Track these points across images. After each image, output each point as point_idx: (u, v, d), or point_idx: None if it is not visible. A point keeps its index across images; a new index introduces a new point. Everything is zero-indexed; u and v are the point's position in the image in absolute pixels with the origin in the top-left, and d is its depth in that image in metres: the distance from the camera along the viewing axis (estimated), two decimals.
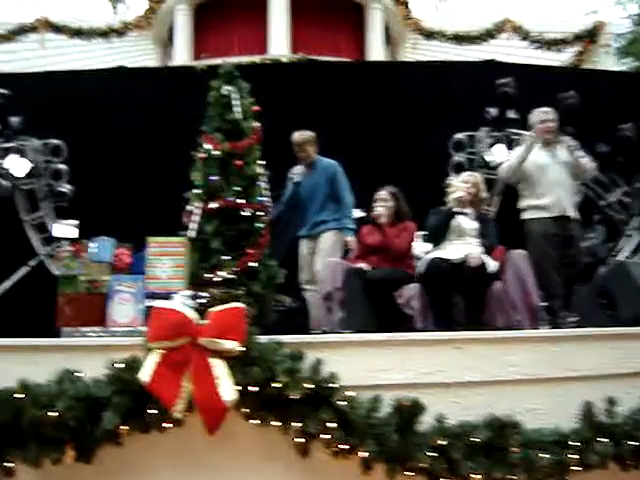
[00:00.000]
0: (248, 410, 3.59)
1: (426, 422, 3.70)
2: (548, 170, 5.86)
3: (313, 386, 3.56)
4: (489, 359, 3.97)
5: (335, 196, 6.42)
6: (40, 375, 3.66)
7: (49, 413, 3.51)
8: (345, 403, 3.58)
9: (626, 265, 4.85)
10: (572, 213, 5.85)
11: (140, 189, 7.49)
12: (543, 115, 6.07)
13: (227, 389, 3.47)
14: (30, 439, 3.58)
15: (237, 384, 3.52)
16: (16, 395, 3.57)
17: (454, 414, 3.75)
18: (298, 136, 6.51)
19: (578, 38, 16.85)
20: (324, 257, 6.06)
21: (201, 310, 4.08)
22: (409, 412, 3.65)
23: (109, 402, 3.56)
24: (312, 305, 6.08)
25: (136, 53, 17.25)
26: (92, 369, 3.65)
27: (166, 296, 4.98)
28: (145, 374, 3.50)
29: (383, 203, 5.73)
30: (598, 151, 7.40)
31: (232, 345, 3.60)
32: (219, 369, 3.53)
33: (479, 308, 5.12)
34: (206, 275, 5.36)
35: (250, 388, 3.53)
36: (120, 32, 17.42)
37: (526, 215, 5.96)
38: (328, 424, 3.55)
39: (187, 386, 3.52)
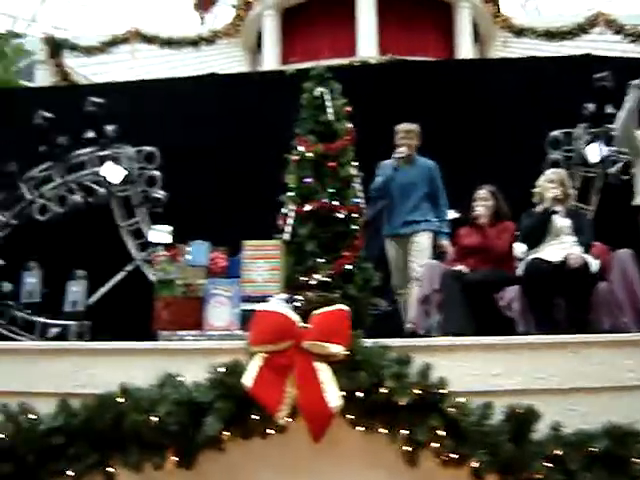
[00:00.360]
0: (353, 416, 3.51)
1: (541, 430, 3.53)
2: None
3: (422, 392, 3.44)
4: (605, 364, 3.77)
5: (431, 196, 6.28)
6: (140, 379, 3.66)
7: (150, 418, 3.50)
8: (455, 410, 3.46)
9: None
10: None
11: (234, 193, 7.52)
12: None
13: (333, 394, 3.38)
14: (131, 444, 3.59)
15: (342, 389, 3.44)
16: (117, 399, 3.58)
17: (570, 422, 3.58)
18: (406, 125, 6.37)
19: None
20: (419, 259, 5.94)
21: (297, 313, 4.02)
22: (523, 420, 3.49)
23: (211, 407, 3.54)
24: (404, 308, 6.00)
25: (225, 60, 17.53)
26: (193, 373, 3.64)
27: (262, 299, 4.96)
28: (248, 379, 3.46)
29: (483, 202, 5.58)
30: None
31: (337, 349, 3.53)
32: (324, 374, 3.45)
33: (583, 310, 4.93)
34: (301, 278, 5.34)
35: (356, 393, 3.44)
36: (209, 40, 17.74)
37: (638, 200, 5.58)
38: (437, 432, 3.43)
39: (291, 391, 3.47)
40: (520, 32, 17.71)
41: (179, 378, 3.67)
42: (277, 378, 3.45)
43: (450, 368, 3.60)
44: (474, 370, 3.69)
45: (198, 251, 5.43)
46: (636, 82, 5.40)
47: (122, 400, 3.58)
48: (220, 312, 5.09)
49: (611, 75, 7.45)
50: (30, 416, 3.67)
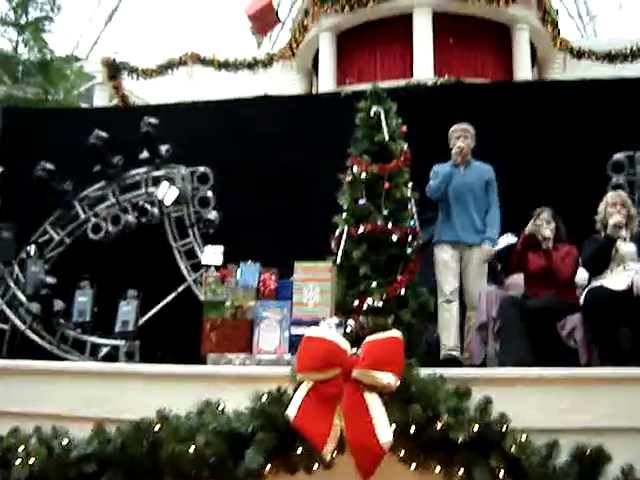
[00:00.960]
0: (406, 453, 3.30)
1: (612, 473, 3.29)
2: None
3: (481, 428, 3.22)
4: None
5: (486, 202, 6.05)
6: (181, 405, 3.52)
7: (188, 448, 3.35)
8: (517, 449, 3.23)
9: None
10: None
11: (286, 214, 7.45)
12: None
13: (384, 429, 3.17)
14: (167, 474, 3.44)
15: (394, 423, 3.22)
16: (154, 427, 3.44)
17: None
18: (462, 124, 6.21)
19: None
20: (478, 276, 5.82)
21: (348, 339, 3.86)
22: (592, 461, 3.26)
23: (253, 438, 3.36)
24: (449, 324, 5.67)
25: (281, 83, 17.61)
26: (235, 401, 3.47)
27: (312, 323, 4.84)
28: (293, 409, 3.27)
29: (547, 225, 5.37)
30: None
31: (390, 379, 3.30)
32: (375, 406, 3.24)
33: None
34: (353, 302, 5.21)
35: (409, 428, 3.23)
36: (265, 63, 17.91)
37: None
38: (498, 472, 3.20)
39: (339, 424, 3.26)
40: (579, 54, 17.47)
41: (220, 406, 3.50)
42: (324, 409, 3.25)
43: (512, 403, 3.38)
44: (538, 405, 3.45)
45: (248, 272, 5.36)
46: None
47: (159, 427, 3.42)
48: (269, 336, 4.99)
49: None
50: (63, 441, 3.56)
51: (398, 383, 3.31)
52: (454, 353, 5.43)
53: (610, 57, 17.03)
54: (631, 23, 23.74)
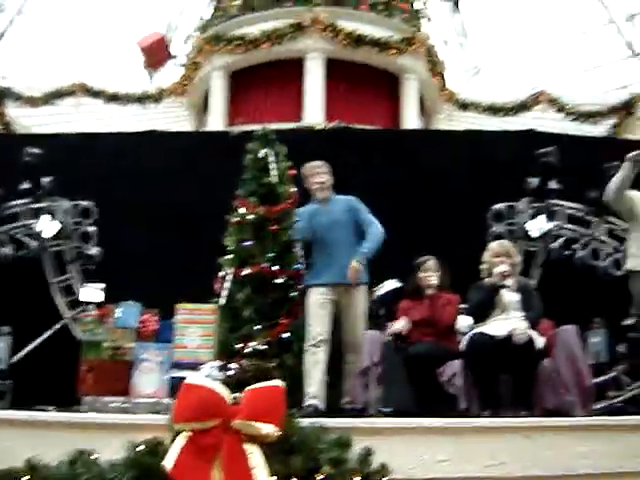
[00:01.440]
0: None
1: None
2: None
3: (362, 479, 3.18)
4: (560, 449, 3.59)
5: (359, 231, 5.72)
6: (53, 454, 3.32)
7: None
8: None
9: None
10: None
11: (170, 253, 7.30)
12: None
13: None
14: None
15: (275, 474, 3.12)
16: (22, 478, 3.22)
17: None
18: (317, 163, 5.95)
19: (614, 110, 16.74)
20: (357, 318, 5.56)
21: (230, 383, 3.77)
22: None
23: None
24: (313, 365, 5.29)
25: (171, 118, 17.47)
26: (111, 450, 3.29)
27: (194, 366, 4.74)
28: (170, 460, 3.11)
29: (432, 273, 5.46)
30: None
31: (270, 429, 3.21)
32: (255, 457, 3.14)
33: (527, 388, 4.81)
34: (236, 345, 5.14)
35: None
36: (155, 98, 17.72)
37: (630, 264, 5.62)
38: None
39: (217, 476, 3.13)
40: (464, 106, 18.13)
41: (93, 455, 3.32)
42: (202, 460, 3.11)
43: (393, 452, 3.37)
44: (419, 455, 3.46)
45: (128, 312, 5.25)
46: (631, 155, 5.49)
47: (27, 478, 3.21)
48: (148, 379, 4.86)
49: (555, 151, 7.50)
50: None
51: (279, 433, 3.23)
52: (313, 402, 5.09)
53: (493, 110, 17.77)
54: (514, 77, 24.86)
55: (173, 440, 3.18)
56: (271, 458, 3.16)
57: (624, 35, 23.41)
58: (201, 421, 3.21)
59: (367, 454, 3.28)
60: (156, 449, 3.19)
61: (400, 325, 5.22)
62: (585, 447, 3.61)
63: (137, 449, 3.20)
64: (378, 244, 5.64)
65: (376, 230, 5.68)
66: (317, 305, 5.46)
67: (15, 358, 6.80)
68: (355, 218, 5.73)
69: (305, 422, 3.37)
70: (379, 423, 3.67)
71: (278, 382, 3.53)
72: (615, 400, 6.90)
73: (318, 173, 5.83)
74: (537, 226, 7.55)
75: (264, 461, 3.14)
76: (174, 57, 19.21)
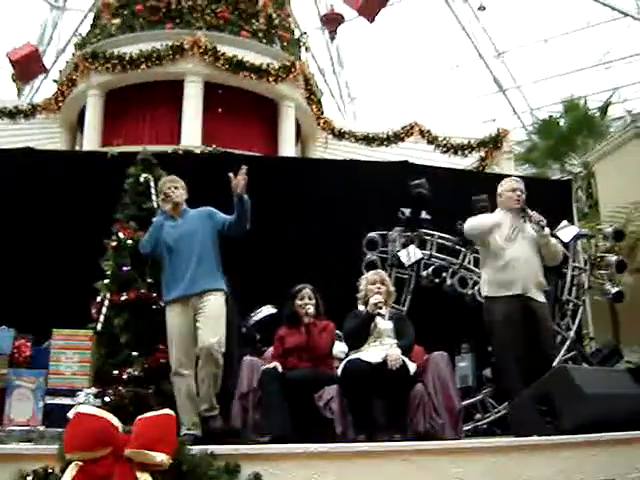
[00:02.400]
0: None
1: None
2: (513, 244, 5.66)
3: None
4: (436, 472, 3.74)
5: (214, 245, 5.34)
6: None
7: None
8: None
9: (569, 371, 4.75)
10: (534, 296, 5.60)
11: (45, 277, 7.10)
12: (514, 183, 5.88)
13: None
14: None
15: None
16: None
17: None
18: (170, 178, 5.53)
19: (482, 144, 17.53)
20: (214, 328, 4.96)
21: (108, 409, 3.73)
22: None
23: None
24: (182, 394, 4.91)
25: (43, 136, 16.97)
26: None
27: (69, 393, 4.66)
28: None
29: (309, 301, 5.56)
30: None
31: (162, 457, 3.18)
32: None
33: (400, 411, 4.98)
34: (113, 372, 5.07)
35: None
36: (27, 114, 17.17)
37: (485, 291, 5.84)
38: None
39: None
40: (340, 134, 18.53)
41: None
42: None
43: (279, 477, 3.43)
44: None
45: (1, 338, 5.08)
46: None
47: None
48: (22, 406, 4.72)
49: (426, 182, 7.78)
50: None
51: (170, 461, 3.23)
52: (190, 432, 4.78)
53: (368, 139, 18.25)
54: (388, 106, 25.66)
55: (63, 470, 3.12)
56: None
57: (492, 71, 24.66)
58: (92, 450, 3.16)
59: (255, 479, 3.34)
60: (46, 479, 3.12)
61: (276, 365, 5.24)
62: (460, 468, 3.78)
63: (26, 479, 3.11)
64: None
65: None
66: (174, 327, 5.01)
67: None
68: (214, 223, 5.35)
69: (195, 449, 3.38)
70: (265, 449, 3.70)
71: (169, 410, 3.52)
72: (481, 422, 7.23)
73: (170, 188, 5.40)
74: (408, 254, 7.79)
75: None
76: (47, 71, 18.71)
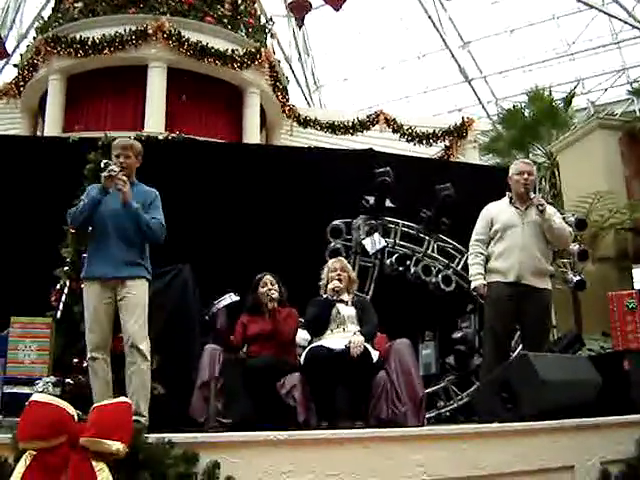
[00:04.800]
0: None
1: None
2: (514, 230, 5.62)
3: None
4: (396, 459, 3.73)
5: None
6: None
7: None
8: None
9: (529, 358, 4.78)
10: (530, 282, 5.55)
11: (5, 264, 6.95)
12: (522, 166, 5.79)
13: None
14: None
15: None
16: None
17: None
18: (125, 140, 5.20)
19: (447, 133, 17.61)
20: (139, 316, 4.68)
21: (66, 399, 3.67)
22: None
23: None
24: (96, 378, 4.62)
25: (4, 121, 16.71)
26: None
27: (28, 382, 4.58)
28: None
29: (271, 287, 5.53)
30: None
31: (118, 446, 3.11)
32: (103, 474, 3.04)
33: (363, 399, 4.98)
34: (73, 360, 5.00)
35: None
36: None
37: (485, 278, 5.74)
38: None
39: None
40: (305, 122, 18.48)
41: None
42: (49, 479, 3.03)
43: (239, 465, 3.38)
44: (264, 467, 3.48)
45: None
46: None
47: None
48: None
49: (390, 170, 7.77)
50: None
51: (127, 450, 3.18)
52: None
53: (333, 128, 18.23)
54: (354, 95, 25.75)
55: (17, 459, 3.05)
56: (119, 475, 3.10)
57: (458, 61, 24.75)
58: (47, 439, 3.09)
59: (214, 468, 3.29)
60: (0, 469, 3.05)
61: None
62: (420, 455, 3.78)
63: None
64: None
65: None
66: (93, 308, 4.70)
67: None
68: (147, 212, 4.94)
69: (151, 438, 3.33)
70: (225, 437, 3.66)
71: (124, 398, 3.47)
72: (444, 410, 7.27)
73: (118, 155, 5.01)
74: (372, 242, 7.78)
75: (112, 478, 3.08)
76: (9, 56, 18.41)
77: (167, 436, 3.38)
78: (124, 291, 4.69)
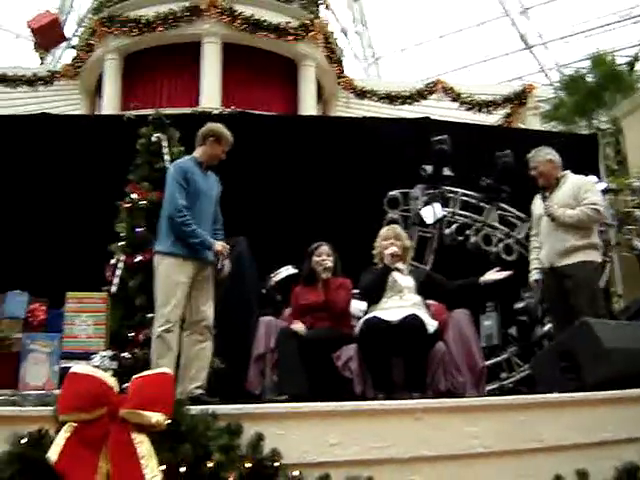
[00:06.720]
0: None
1: None
2: (543, 219, 5.85)
3: (253, 465, 3.10)
4: (449, 430, 3.62)
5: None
6: None
7: None
8: None
9: (591, 325, 4.59)
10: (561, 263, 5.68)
11: (59, 240, 7.04)
12: (531, 164, 5.98)
13: (152, 470, 2.97)
14: None
15: (164, 463, 3.01)
16: None
17: None
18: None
19: (507, 100, 17.23)
20: (213, 296, 4.91)
21: (123, 372, 3.66)
22: None
23: None
24: (169, 351, 4.62)
25: (63, 102, 16.96)
26: None
27: (85, 356, 4.61)
28: (54, 452, 2.96)
29: (326, 257, 5.45)
30: None
31: (158, 418, 3.07)
32: (143, 446, 3.03)
33: (420, 371, 4.87)
34: (129, 334, 5.02)
35: (179, 468, 3.03)
36: (47, 80, 17.13)
37: None
38: None
39: (104, 467, 2.98)
40: (362, 94, 18.29)
41: None
42: (89, 451, 2.96)
43: (284, 437, 3.31)
44: (310, 439, 3.41)
45: (14, 302, 5.03)
46: None
47: None
48: (37, 370, 4.68)
49: (448, 138, 7.60)
50: None
51: (167, 422, 3.14)
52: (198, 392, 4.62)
53: (390, 98, 18.00)
54: (413, 65, 25.43)
55: (58, 432, 3.05)
56: (160, 447, 3.06)
57: (518, 28, 24.13)
58: (86, 411, 3.07)
59: (258, 440, 3.21)
60: (41, 441, 3.02)
61: (298, 327, 5.11)
62: (475, 427, 3.65)
63: (21, 442, 3.03)
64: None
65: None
66: (177, 281, 4.72)
67: None
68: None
69: (194, 410, 3.29)
70: (270, 408, 3.59)
71: (165, 369, 3.44)
72: (507, 381, 7.12)
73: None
74: (431, 212, 7.65)
75: (152, 450, 3.05)
76: (68, 39, 18.64)
77: (210, 407, 3.33)
78: (204, 270, 4.85)
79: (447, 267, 7.09)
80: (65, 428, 3.03)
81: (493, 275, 5.34)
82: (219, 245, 4.82)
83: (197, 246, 4.75)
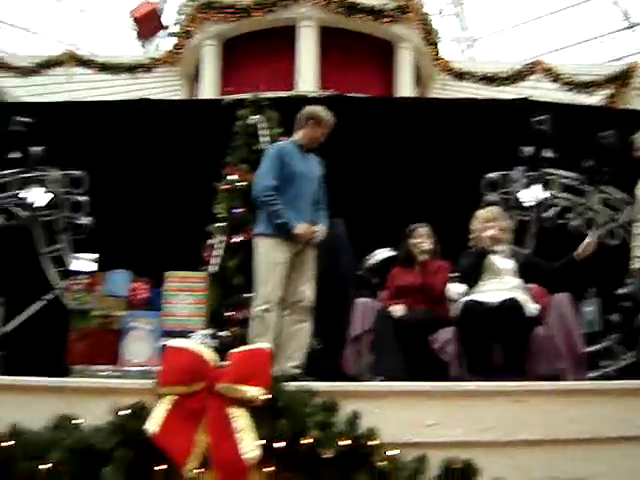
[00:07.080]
0: (273, 469, 3.11)
1: None
2: None
3: (349, 443, 3.11)
4: (550, 414, 3.54)
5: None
6: (37, 420, 3.26)
7: (41, 465, 3.05)
8: (386, 464, 3.12)
9: None
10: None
11: (160, 221, 7.21)
12: None
13: (249, 444, 3.01)
14: None
15: (261, 438, 3.07)
16: (5, 443, 3.15)
17: (511, 477, 3.33)
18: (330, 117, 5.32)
19: (610, 80, 16.62)
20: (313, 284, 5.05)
21: (221, 350, 3.72)
22: (461, 475, 3.20)
23: (111, 455, 3.09)
24: (269, 330, 4.72)
25: (163, 88, 17.34)
26: (96, 415, 3.22)
27: (184, 334, 4.70)
28: (153, 424, 3.05)
29: (424, 239, 5.40)
30: None
31: (256, 392, 3.14)
32: (240, 421, 3.06)
33: (519, 355, 4.77)
34: (227, 313, 5.10)
35: (276, 444, 3.08)
36: (147, 67, 17.53)
37: None
38: None
39: (202, 440, 3.06)
40: (459, 75, 17.99)
41: (77, 421, 3.24)
42: (187, 424, 3.04)
43: (381, 416, 3.30)
44: (407, 419, 3.40)
45: (117, 281, 5.18)
46: None
47: (11, 443, 3.14)
48: (139, 347, 4.82)
49: (549, 119, 7.41)
50: None
51: (265, 397, 3.18)
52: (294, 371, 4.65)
53: (488, 79, 17.63)
54: (510, 47, 24.81)
55: (157, 404, 3.13)
56: (257, 422, 3.11)
57: (620, 6, 23.19)
58: (186, 385, 3.15)
59: (354, 418, 3.22)
60: (141, 413, 3.11)
61: (397, 309, 5.11)
62: (575, 411, 3.56)
63: (121, 414, 3.13)
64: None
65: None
66: (278, 262, 4.85)
67: (6, 328, 6.74)
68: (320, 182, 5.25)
69: (291, 386, 3.31)
70: (367, 387, 3.61)
71: (264, 345, 3.48)
72: (608, 369, 6.91)
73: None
74: (531, 195, 7.48)
75: (249, 424, 3.09)
76: (166, 27, 19.02)
77: (308, 384, 3.35)
78: (303, 252, 4.97)
79: (547, 251, 6.92)
80: (164, 401, 3.11)
81: (583, 246, 5.20)
82: (300, 229, 4.84)
83: (281, 226, 4.80)
